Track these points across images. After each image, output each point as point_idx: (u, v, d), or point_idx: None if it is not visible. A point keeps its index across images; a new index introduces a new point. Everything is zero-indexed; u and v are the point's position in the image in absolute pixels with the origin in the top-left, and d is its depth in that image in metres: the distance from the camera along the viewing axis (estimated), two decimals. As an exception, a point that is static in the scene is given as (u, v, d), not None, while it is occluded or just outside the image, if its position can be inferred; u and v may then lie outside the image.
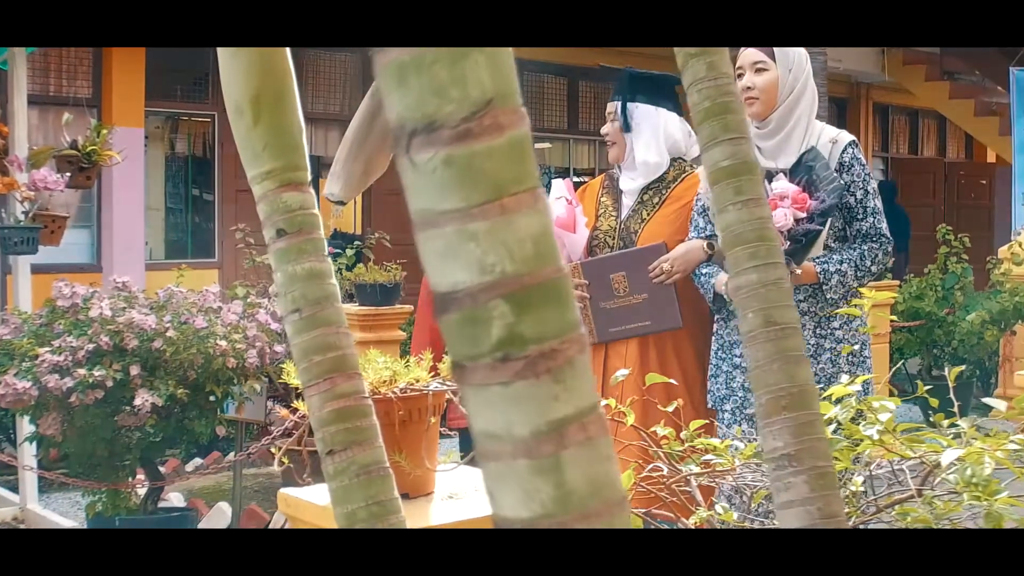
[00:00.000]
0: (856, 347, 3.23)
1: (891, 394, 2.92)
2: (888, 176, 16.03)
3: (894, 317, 6.88)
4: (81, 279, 4.91)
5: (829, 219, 3.18)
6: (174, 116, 10.45)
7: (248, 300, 5.08)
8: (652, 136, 3.62)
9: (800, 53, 3.30)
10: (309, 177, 1.30)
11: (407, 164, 0.58)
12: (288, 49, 1.31)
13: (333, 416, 1.23)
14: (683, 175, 3.62)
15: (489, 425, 0.59)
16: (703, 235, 3.42)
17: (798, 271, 3.16)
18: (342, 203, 1.75)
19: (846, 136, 3.28)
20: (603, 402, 2.41)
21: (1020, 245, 8.23)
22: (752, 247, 1.28)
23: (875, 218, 3.22)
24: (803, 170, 3.21)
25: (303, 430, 1.68)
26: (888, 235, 3.25)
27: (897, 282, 7.98)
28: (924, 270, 8.58)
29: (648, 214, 3.59)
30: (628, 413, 2.34)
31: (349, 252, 7.35)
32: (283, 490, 1.85)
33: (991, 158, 16.14)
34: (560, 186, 3.71)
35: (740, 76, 3.27)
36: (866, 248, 3.21)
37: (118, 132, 6.80)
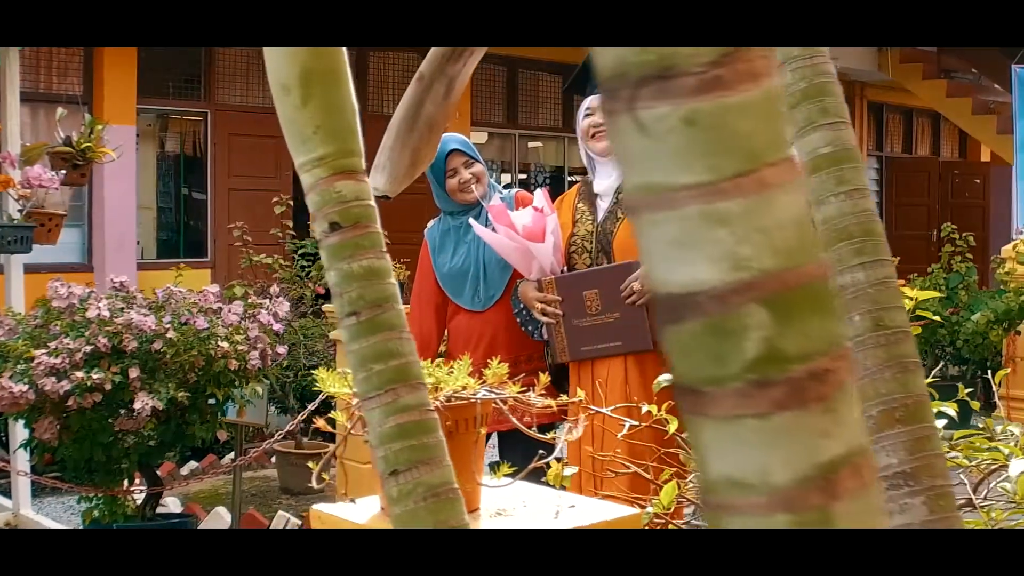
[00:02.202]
0: None
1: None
2: (883, 175, 15.96)
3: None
4: (72, 279, 4.76)
5: None
6: (166, 114, 10.29)
7: (248, 301, 4.94)
8: None
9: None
10: (364, 164, 1.16)
11: (629, 125, 0.44)
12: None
13: (396, 432, 1.09)
14: None
15: (735, 469, 0.45)
16: None
17: None
18: (387, 197, 1.61)
19: None
20: (645, 408, 2.28)
21: (1025, 244, 8.13)
22: (858, 243, 1.16)
23: None
24: None
25: (341, 442, 1.54)
26: None
27: (901, 282, 7.89)
28: (928, 269, 8.48)
29: (623, 213, 3.50)
30: (670, 420, 2.23)
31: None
32: (316, 507, 1.71)
33: (985, 157, 16.08)
34: (538, 195, 3.63)
35: None
36: None
37: (110, 130, 6.64)
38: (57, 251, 6.92)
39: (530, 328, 3.62)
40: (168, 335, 4.30)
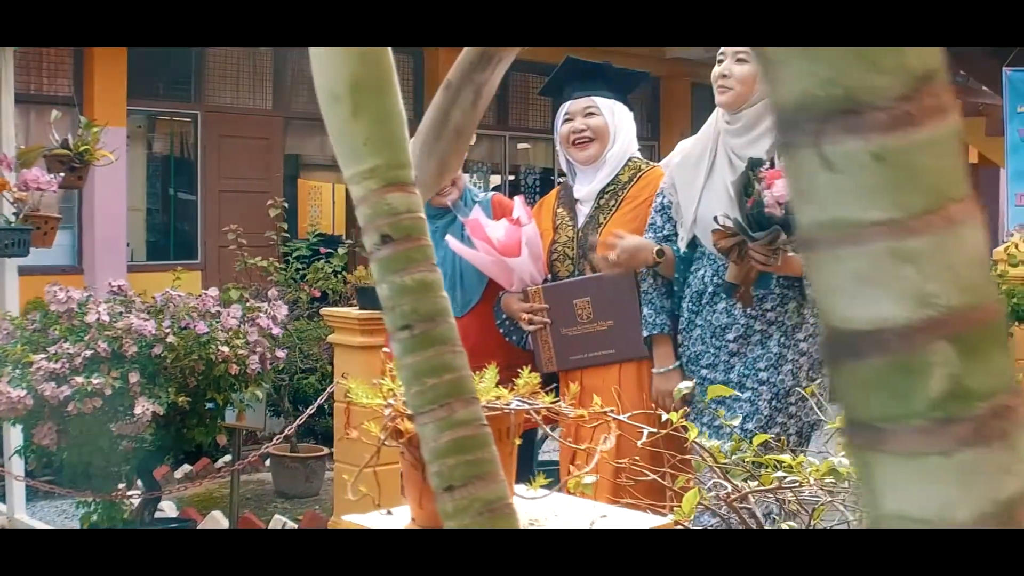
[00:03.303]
0: (820, 358, 3.14)
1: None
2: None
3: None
4: (62, 281, 4.74)
5: None
6: (156, 115, 10.25)
7: (247, 304, 4.92)
8: (630, 134, 3.53)
9: None
10: (414, 175, 1.16)
11: (813, 159, 0.43)
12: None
13: (452, 447, 1.08)
14: (638, 174, 3.48)
15: (914, 506, 0.44)
16: (656, 234, 3.31)
17: (789, 253, 3.02)
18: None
19: None
20: (665, 416, 2.28)
21: (1016, 247, 8.16)
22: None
23: None
24: None
25: (376, 453, 1.54)
26: None
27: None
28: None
29: (605, 218, 3.44)
30: (691, 428, 2.22)
31: (342, 252, 7.18)
32: (347, 517, 1.70)
33: (972, 158, 16.15)
34: (516, 204, 3.55)
35: (720, 62, 3.19)
36: None
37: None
38: (47, 253, 6.89)
39: (515, 338, 3.56)
40: (168, 339, 4.28)
